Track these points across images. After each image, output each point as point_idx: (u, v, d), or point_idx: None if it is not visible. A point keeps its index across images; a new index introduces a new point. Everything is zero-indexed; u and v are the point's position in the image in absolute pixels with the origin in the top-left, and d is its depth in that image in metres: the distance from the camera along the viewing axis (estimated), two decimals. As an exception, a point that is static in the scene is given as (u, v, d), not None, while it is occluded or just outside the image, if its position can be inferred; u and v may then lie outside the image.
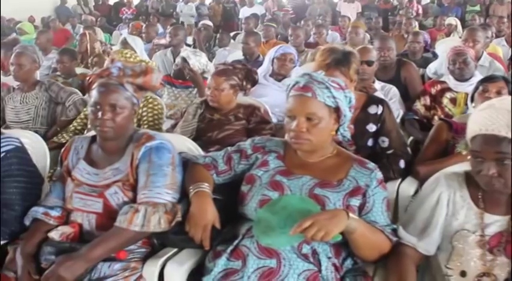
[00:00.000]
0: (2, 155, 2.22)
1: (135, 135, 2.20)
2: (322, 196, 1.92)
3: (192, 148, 2.54)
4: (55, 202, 2.23)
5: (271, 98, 3.87)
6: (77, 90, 4.09)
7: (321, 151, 2.01)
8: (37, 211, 2.20)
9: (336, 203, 1.91)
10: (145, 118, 3.28)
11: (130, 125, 2.24)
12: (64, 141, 3.50)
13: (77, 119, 3.66)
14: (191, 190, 2.03)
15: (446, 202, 1.88)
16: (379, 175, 1.99)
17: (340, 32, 8.64)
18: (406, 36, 7.20)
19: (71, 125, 3.64)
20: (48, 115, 3.88)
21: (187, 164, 2.21)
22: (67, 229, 2.13)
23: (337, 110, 1.97)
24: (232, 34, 8.41)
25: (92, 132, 3.16)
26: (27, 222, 2.22)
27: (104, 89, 2.14)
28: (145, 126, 3.23)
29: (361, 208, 1.94)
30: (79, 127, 3.60)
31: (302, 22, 8.95)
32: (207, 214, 1.96)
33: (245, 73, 3.29)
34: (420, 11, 11.39)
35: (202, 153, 2.53)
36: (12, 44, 6.00)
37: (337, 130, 2.02)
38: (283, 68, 4.12)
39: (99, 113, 2.11)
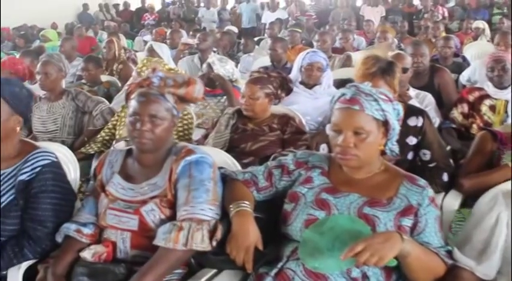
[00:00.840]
0: (38, 169, 2.14)
1: (174, 149, 2.10)
2: (372, 216, 1.80)
3: (229, 162, 2.45)
4: (87, 218, 2.14)
5: (302, 105, 3.74)
6: (104, 99, 4.02)
7: (369, 167, 1.90)
8: (69, 228, 2.11)
9: (387, 223, 1.79)
10: (175, 128, 3.19)
11: (170, 137, 2.14)
12: (92, 152, 3.44)
13: (105, 129, 3.59)
14: (232, 209, 1.92)
15: (506, 222, 1.75)
16: (431, 192, 1.87)
17: (364, 37, 8.49)
18: (433, 40, 7.06)
19: (98, 135, 3.57)
20: (75, 125, 3.81)
21: (225, 179, 2.11)
22: (100, 248, 2.03)
23: (385, 124, 1.85)
24: (255, 39, 8.29)
25: (122, 144, 3.08)
26: (59, 239, 2.13)
27: (144, 99, 2.04)
28: (175, 136, 3.15)
29: (412, 228, 1.81)
30: (107, 137, 3.53)
31: (327, 27, 8.82)
32: (249, 234, 1.84)
33: (280, 81, 3.21)
34: (446, 14, 11.18)
35: (239, 167, 2.43)
36: (38, 52, 5.98)
37: (385, 145, 1.90)
38: (311, 78, 3.93)
39: (138, 124, 2.01)
